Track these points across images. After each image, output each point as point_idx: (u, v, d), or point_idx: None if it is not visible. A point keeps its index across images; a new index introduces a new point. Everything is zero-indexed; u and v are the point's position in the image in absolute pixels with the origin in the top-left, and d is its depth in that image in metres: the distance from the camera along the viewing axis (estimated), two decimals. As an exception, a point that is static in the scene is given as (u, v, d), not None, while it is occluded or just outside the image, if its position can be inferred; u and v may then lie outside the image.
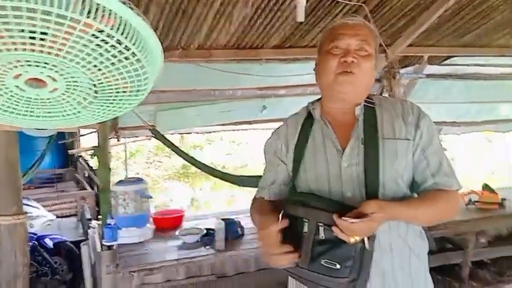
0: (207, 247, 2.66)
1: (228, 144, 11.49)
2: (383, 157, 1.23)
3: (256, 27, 2.93)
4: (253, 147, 11.47)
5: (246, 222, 3.18)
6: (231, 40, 3.05)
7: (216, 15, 2.72)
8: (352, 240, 1.09)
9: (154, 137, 3.38)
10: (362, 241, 1.13)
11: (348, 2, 2.74)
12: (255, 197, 1.49)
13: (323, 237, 1.16)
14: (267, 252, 1.19)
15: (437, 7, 2.88)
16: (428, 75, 3.87)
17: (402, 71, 3.64)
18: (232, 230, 2.81)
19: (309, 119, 1.38)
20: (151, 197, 2.99)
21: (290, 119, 1.44)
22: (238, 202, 8.26)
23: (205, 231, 2.81)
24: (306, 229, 1.18)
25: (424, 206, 1.23)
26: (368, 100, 1.33)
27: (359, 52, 1.25)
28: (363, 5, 2.78)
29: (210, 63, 3.23)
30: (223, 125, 3.96)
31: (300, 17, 2.25)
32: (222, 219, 2.72)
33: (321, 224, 1.16)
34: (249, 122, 4.04)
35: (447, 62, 3.83)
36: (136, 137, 3.78)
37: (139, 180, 3.00)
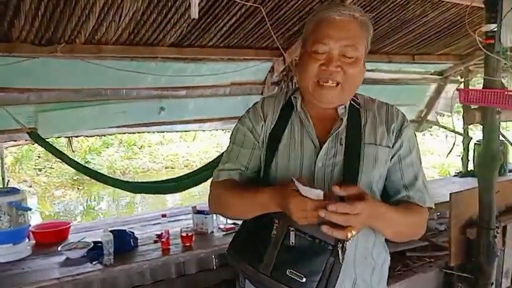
0: (94, 262, 2.42)
1: (128, 148, 10.89)
2: (362, 162, 1.15)
3: (150, 23, 2.75)
4: (155, 150, 11.07)
5: (140, 232, 2.97)
6: (123, 35, 2.82)
7: (103, 7, 2.49)
8: (349, 234, 0.94)
9: (35, 142, 3.02)
10: (336, 254, 1.02)
11: (245, 3, 2.69)
12: (217, 180, 1.24)
13: (293, 244, 1.05)
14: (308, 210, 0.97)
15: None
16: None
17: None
18: (123, 242, 2.58)
19: (288, 105, 1.24)
20: (29, 209, 2.67)
21: (268, 100, 1.28)
22: (140, 210, 7.86)
23: (92, 245, 2.56)
24: (274, 231, 1.07)
25: (404, 215, 1.13)
26: (354, 99, 1.23)
27: (343, 59, 1.12)
28: (260, 6, 2.75)
29: (100, 60, 2.97)
30: (117, 127, 3.68)
31: (194, 13, 2.13)
32: (111, 231, 2.48)
33: (292, 229, 1.05)
34: (147, 125, 3.81)
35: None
36: (15, 141, 3.36)
37: (15, 190, 2.66)
